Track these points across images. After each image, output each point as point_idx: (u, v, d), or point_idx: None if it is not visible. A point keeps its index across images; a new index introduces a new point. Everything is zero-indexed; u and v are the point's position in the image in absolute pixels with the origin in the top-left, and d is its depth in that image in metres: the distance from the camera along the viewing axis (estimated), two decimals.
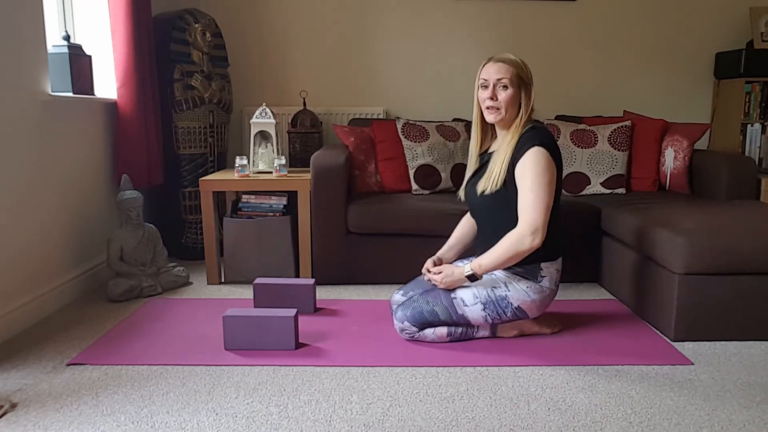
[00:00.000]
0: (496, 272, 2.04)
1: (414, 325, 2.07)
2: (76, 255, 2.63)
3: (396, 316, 2.11)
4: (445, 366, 1.92)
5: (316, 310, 2.45)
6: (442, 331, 2.08)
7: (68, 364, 1.92)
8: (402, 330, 2.10)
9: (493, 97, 2.00)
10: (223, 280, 2.84)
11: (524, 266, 2.02)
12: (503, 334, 2.15)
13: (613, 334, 2.18)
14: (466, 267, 2.00)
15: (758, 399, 1.72)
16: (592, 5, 3.72)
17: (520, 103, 2.01)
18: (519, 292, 2.01)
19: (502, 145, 2.02)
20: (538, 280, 2.02)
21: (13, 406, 1.65)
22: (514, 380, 1.83)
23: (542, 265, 2.02)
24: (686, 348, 2.08)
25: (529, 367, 1.92)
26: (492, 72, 2.01)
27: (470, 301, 2.02)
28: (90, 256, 2.75)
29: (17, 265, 2.22)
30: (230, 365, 1.91)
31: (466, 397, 1.72)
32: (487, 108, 2.02)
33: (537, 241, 1.89)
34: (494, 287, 2.02)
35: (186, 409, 1.65)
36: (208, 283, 2.80)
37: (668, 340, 2.14)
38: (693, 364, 1.94)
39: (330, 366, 1.92)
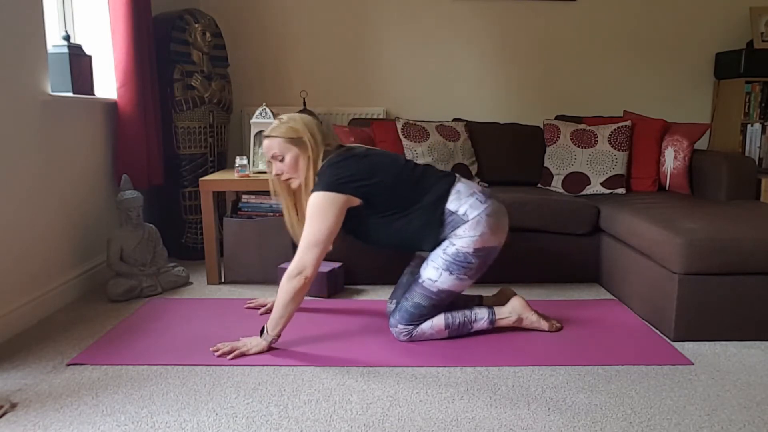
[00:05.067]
0: (446, 244, 2.03)
1: (406, 324, 2.08)
2: (76, 255, 2.63)
3: (390, 323, 2.14)
4: (445, 366, 1.92)
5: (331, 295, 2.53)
6: (440, 322, 2.09)
7: (68, 364, 1.92)
8: (399, 333, 2.10)
9: (278, 172, 2.08)
10: (223, 280, 2.84)
11: (444, 225, 2.03)
12: (502, 322, 2.15)
13: (613, 334, 2.18)
14: (264, 333, 2.02)
15: (758, 399, 1.72)
16: (592, 5, 3.72)
17: (309, 158, 2.05)
18: (463, 238, 2.01)
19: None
20: (465, 218, 2.01)
21: (13, 406, 1.65)
22: (514, 380, 1.83)
23: (452, 210, 2.02)
24: (686, 348, 2.08)
25: (529, 367, 1.92)
26: (266, 151, 2.10)
27: (436, 275, 2.03)
28: (90, 256, 2.75)
29: (18, 265, 2.22)
30: (230, 365, 1.91)
31: (466, 397, 1.72)
32: (283, 181, 2.11)
33: (307, 275, 1.93)
34: (444, 249, 2.03)
35: (186, 409, 1.65)
36: (208, 283, 2.80)
37: (668, 340, 2.14)
38: (693, 364, 1.95)
39: (330, 366, 1.92)
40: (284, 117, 2.10)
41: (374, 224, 2.06)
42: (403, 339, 2.11)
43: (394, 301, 2.25)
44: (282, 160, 2.06)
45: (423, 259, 2.18)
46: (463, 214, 2.02)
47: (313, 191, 2.00)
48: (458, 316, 2.11)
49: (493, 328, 2.18)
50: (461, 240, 2.01)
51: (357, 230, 2.10)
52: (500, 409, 1.65)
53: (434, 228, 2.03)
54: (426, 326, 2.09)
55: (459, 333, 2.12)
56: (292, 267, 1.95)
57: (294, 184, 2.10)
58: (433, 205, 2.04)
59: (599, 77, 3.80)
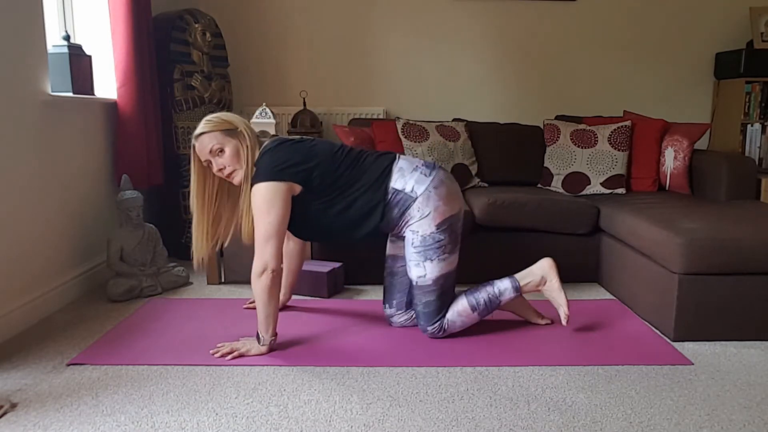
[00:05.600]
0: (409, 237, 2.02)
1: (432, 323, 2.08)
2: (76, 255, 2.63)
3: (420, 328, 2.13)
4: (445, 366, 1.92)
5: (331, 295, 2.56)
6: (465, 308, 2.08)
7: (68, 364, 1.92)
8: (431, 335, 2.11)
9: (220, 168, 2.00)
10: (223, 280, 2.84)
11: (392, 206, 2.01)
12: (527, 287, 2.12)
13: (613, 334, 2.18)
14: (260, 339, 2.00)
15: (758, 399, 1.72)
16: (592, 5, 3.72)
17: (247, 147, 2.00)
18: (420, 221, 1.99)
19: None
20: (413, 194, 1.99)
21: (13, 406, 1.65)
22: (514, 380, 1.83)
23: (398, 188, 2.00)
24: (686, 348, 2.08)
25: (529, 367, 1.92)
26: (201, 151, 2.01)
27: (421, 270, 2.02)
28: (90, 256, 2.75)
29: (18, 265, 2.22)
30: (230, 365, 1.91)
31: (466, 397, 1.72)
32: (226, 176, 2.03)
33: (273, 268, 1.91)
34: (411, 243, 2.02)
35: (186, 409, 1.65)
36: (208, 283, 2.80)
37: (668, 341, 2.14)
38: (693, 364, 1.94)
39: (330, 366, 1.92)
40: (209, 116, 2.04)
41: (316, 211, 2.02)
42: (440, 336, 2.11)
43: (392, 305, 2.23)
44: (222, 153, 1.98)
45: (395, 259, 2.17)
46: (411, 191, 1.99)
47: (253, 183, 1.96)
48: (482, 296, 2.09)
49: (519, 295, 2.14)
50: (419, 224, 2.00)
51: (300, 223, 2.06)
52: (500, 409, 1.65)
53: (379, 209, 2.00)
54: (453, 317, 2.08)
55: (489, 310, 2.10)
56: (255, 266, 1.93)
57: (238, 176, 2.00)
58: (375, 184, 2.01)
59: (599, 77, 3.80)
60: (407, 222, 2.02)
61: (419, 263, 2.03)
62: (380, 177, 2.02)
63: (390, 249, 2.21)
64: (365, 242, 2.11)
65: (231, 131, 2.00)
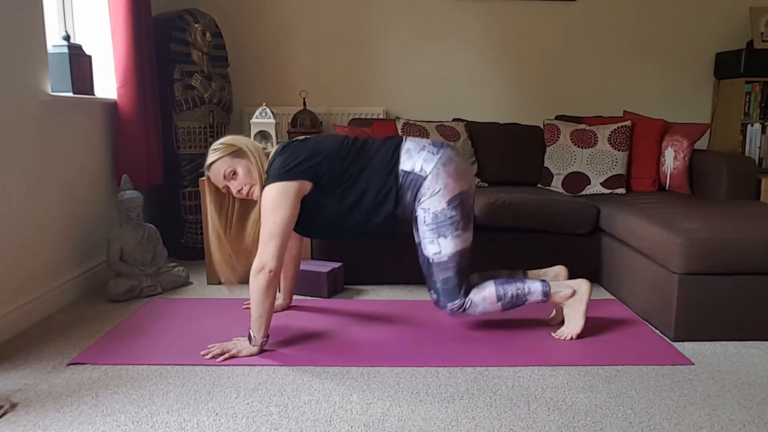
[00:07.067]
0: (421, 215, 2.02)
1: (452, 300, 2.06)
2: (76, 255, 2.63)
3: (439, 307, 2.11)
4: (445, 366, 1.92)
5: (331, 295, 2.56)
6: (491, 293, 2.06)
7: (68, 364, 1.92)
8: (451, 312, 2.08)
9: (238, 189, 2.05)
10: (223, 280, 2.84)
11: (405, 189, 2.01)
12: (557, 296, 2.10)
13: (613, 334, 2.18)
14: (252, 339, 2.00)
15: (758, 399, 1.72)
16: (592, 5, 3.72)
17: (256, 162, 2.04)
18: (431, 198, 1.99)
19: None
20: (423, 174, 2.00)
21: (13, 406, 1.65)
22: (514, 380, 1.83)
23: (407, 170, 2.01)
24: (686, 348, 2.08)
25: (529, 367, 1.92)
26: (216, 179, 2.06)
27: (436, 248, 2.02)
28: (90, 256, 2.75)
29: (17, 265, 2.22)
30: (230, 365, 1.91)
31: (466, 397, 1.72)
32: (247, 195, 2.06)
33: (271, 268, 1.92)
34: (423, 222, 2.02)
35: (186, 409, 1.65)
36: (208, 283, 2.80)
37: (668, 340, 2.14)
38: (693, 364, 1.95)
39: (330, 366, 1.92)
40: (213, 145, 2.09)
41: (330, 206, 2.03)
42: (460, 316, 2.10)
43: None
44: (235, 174, 2.03)
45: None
46: (420, 171, 2.00)
47: (264, 186, 1.99)
48: (511, 289, 2.08)
49: (545, 301, 2.11)
50: (429, 202, 2.00)
51: (315, 223, 2.07)
52: (500, 409, 1.65)
53: (392, 195, 2.01)
54: (477, 300, 2.07)
55: (513, 305, 2.09)
56: (255, 264, 1.94)
57: (255, 192, 2.05)
58: (384, 169, 2.02)
59: (599, 77, 3.80)
60: (419, 200, 2.03)
61: (433, 240, 2.03)
62: (389, 162, 2.03)
63: (417, 236, 2.18)
64: (383, 230, 2.10)
65: (237, 152, 2.05)
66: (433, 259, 2.05)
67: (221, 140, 2.09)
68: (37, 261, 2.34)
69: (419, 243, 2.10)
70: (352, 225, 2.08)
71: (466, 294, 2.07)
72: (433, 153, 2.03)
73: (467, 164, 2.09)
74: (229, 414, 1.62)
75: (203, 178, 2.76)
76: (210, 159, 2.06)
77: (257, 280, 1.93)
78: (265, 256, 1.93)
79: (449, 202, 2.00)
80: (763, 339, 2.14)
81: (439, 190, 1.99)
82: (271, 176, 1.99)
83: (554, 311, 2.29)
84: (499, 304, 2.08)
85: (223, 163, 2.04)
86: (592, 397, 1.72)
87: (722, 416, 1.62)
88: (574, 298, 2.12)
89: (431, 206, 2.01)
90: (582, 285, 2.12)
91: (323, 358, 1.97)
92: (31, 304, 2.28)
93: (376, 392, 1.75)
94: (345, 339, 2.14)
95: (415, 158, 2.02)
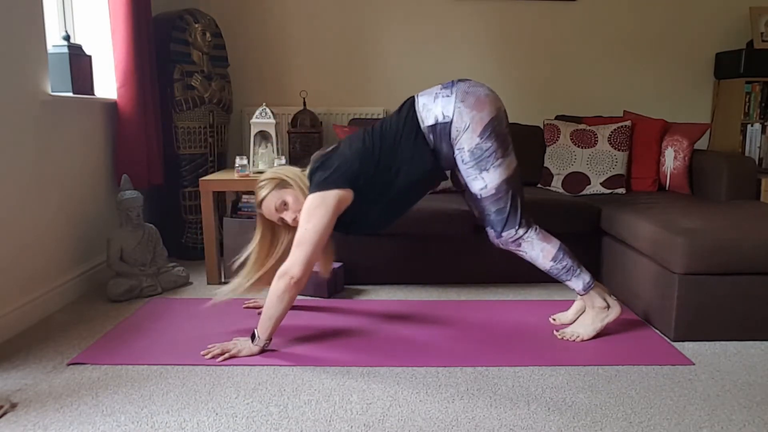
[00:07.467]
0: (458, 156, 2.02)
1: (508, 229, 2.07)
2: (76, 255, 2.63)
3: (492, 237, 2.14)
4: (445, 366, 1.92)
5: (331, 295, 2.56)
6: (552, 250, 2.09)
7: (68, 364, 1.92)
8: (505, 242, 2.11)
9: (293, 218, 2.09)
10: (223, 280, 2.84)
11: (435, 140, 2.01)
12: (591, 298, 2.13)
13: (613, 334, 2.18)
14: (255, 338, 2.00)
15: (758, 399, 1.72)
16: (592, 5, 3.72)
17: (300, 188, 2.08)
18: (461, 136, 1.98)
19: None
20: (447, 119, 1.98)
21: (13, 406, 1.65)
22: (514, 380, 1.83)
23: (431, 124, 2.00)
24: (686, 348, 2.08)
25: (529, 367, 1.92)
26: (270, 214, 2.13)
27: (481, 183, 2.02)
28: (90, 256, 2.75)
29: (17, 265, 2.22)
30: (230, 365, 1.91)
31: (466, 397, 1.72)
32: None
33: (293, 275, 1.92)
34: (462, 161, 2.02)
35: (186, 409, 1.65)
36: (208, 283, 2.80)
37: (668, 340, 2.14)
38: (693, 364, 1.95)
39: (330, 366, 1.92)
40: (258, 183, 2.13)
41: (380, 196, 2.04)
42: (513, 246, 2.11)
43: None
44: (286, 205, 2.08)
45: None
46: (443, 117, 1.99)
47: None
48: (568, 260, 2.10)
49: (582, 294, 2.13)
50: (462, 141, 1.99)
51: (366, 218, 2.08)
52: (500, 409, 1.65)
53: (428, 158, 2.01)
54: (538, 244, 2.09)
55: (557, 273, 2.11)
56: (281, 267, 1.95)
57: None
58: (411, 137, 2.01)
59: (599, 77, 3.80)
60: (455, 144, 2.01)
61: (476, 177, 2.03)
62: (412, 127, 2.02)
63: (461, 178, 2.17)
64: (440, 181, 2.15)
65: (281, 183, 2.09)
66: (481, 195, 2.05)
67: (263, 176, 2.13)
68: (37, 261, 2.34)
69: (465, 184, 2.10)
70: (410, 201, 2.11)
71: (527, 227, 2.08)
72: (447, 95, 2.00)
73: (486, 90, 2.04)
74: (229, 414, 1.62)
75: (203, 178, 2.78)
76: (259, 197, 2.12)
77: (278, 283, 1.93)
78: (291, 261, 1.94)
79: (481, 134, 1.98)
80: (763, 339, 2.14)
81: (468, 126, 1.97)
82: (311, 188, 2.02)
83: (562, 313, 2.28)
84: (551, 263, 2.10)
85: (272, 198, 2.09)
86: (592, 397, 1.72)
87: (722, 416, 1.62)
88: (603, 310, 2.14)
89: (465, 144, 1.99)
90: (616, 307, 2.15)
91: (323, 358, 1.97)
92: (31, 304, 2.28)
93: (376, 392, 1.75)
94: (345, 339, 2.14)
95: (433, 108, 2.00)
